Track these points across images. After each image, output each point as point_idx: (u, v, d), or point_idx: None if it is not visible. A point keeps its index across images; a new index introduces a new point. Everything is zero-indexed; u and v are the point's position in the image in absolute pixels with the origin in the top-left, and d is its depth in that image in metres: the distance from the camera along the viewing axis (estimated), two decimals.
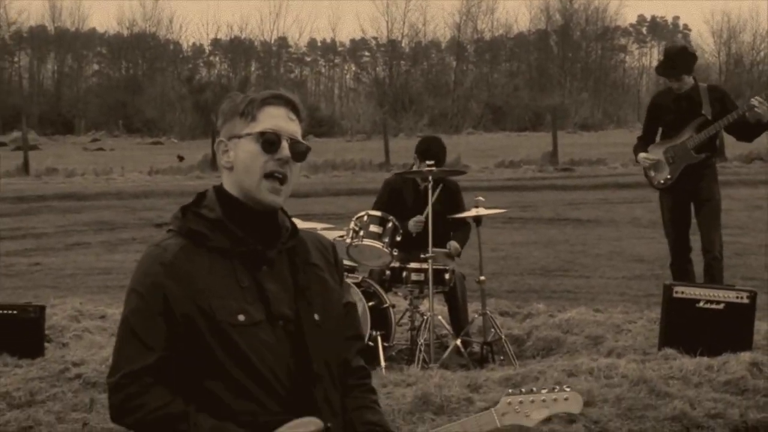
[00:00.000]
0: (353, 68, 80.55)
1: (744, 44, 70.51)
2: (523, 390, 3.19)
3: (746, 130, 8.95)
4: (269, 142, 2.93)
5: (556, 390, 3.18)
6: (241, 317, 2.83)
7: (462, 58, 71.07)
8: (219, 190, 2.99)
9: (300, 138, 3.01)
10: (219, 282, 2.85)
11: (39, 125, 58.48)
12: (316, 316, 2.95)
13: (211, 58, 76.71)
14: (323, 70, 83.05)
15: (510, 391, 3.19)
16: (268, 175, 2.92)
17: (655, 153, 9.14)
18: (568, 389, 3.19)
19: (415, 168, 8.83)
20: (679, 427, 6.66)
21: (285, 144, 2.94)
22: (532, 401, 3.14)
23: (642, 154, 9.20)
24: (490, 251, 14.44)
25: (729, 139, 28.31)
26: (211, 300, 2.82)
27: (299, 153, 2.98)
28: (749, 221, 17.43)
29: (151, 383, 2.82)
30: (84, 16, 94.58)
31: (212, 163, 30.51)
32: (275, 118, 2.97)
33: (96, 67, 75.43)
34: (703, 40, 75.17)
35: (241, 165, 2.94)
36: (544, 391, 3.16)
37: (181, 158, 34.59)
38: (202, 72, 73.43)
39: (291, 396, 2.87)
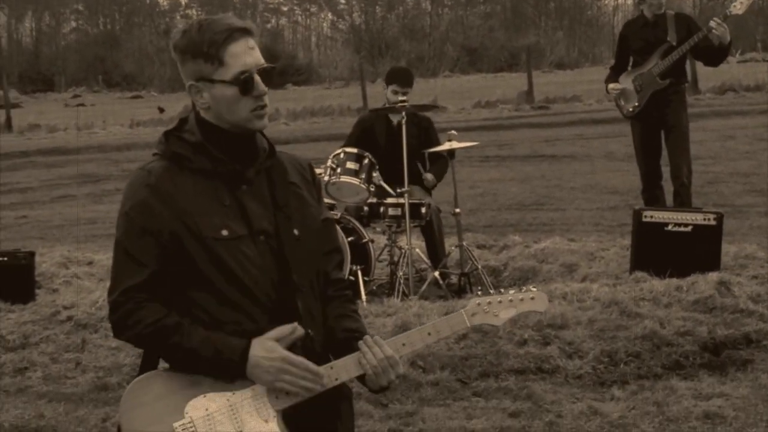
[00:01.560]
0: (330, 16, 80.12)
1: None
2: (492, 292, 3.35)
3: (711, 54, 9.19)
4: (245, 85, 3.07)
5: (522, 290, 3.34)
6: (225, 232, 3.02)
7: (437, 1, 70.76)
8: (198, 116, 3.16)
9: (264, 62, 3.14)
10: (202, 201, 3.04)
11: (19, 83, 58.05)
12: (296, 231, 3.13)
13: (188, 11, 76.12)
14: (300, 20, 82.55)
15: (479, 293, 3.36)
16: (252, 110, 3.09)
17: (625, 82, 9.36)
18: (534, 289, 3.34)
19: (387, 96, 9.05)
20: (650, 345, 6.94)
21: (257, 78, 3.08)
22: (500, 301, 3.28)
23: (611, 85, 9.43)
24: (468, 188, 14.68)
25: (702, 72, 28.55)
26: (196, 217, 3.01)
27: (269, 76, 3.13)
28: (722, 150, 17.69)
29: (146, 299, 3.02)
30: None
31: None
32: (241, 56, 3.09)
33: (73, 24, 74.83)
34: None
35: (222, 107, 3.09)
36: (511, 292, 3.31)
37: (161, 110, 34.61)
38: (179, 26, 72.91)
39: (275, 306, 3.06)
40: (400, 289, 8.32)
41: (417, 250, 8.82)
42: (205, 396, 3.01)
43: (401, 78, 9.20)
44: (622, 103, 9.41)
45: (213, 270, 3.01)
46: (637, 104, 9.27)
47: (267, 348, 2.98)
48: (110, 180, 18.35)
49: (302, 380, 3.00)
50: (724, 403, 6.05)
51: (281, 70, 58.31)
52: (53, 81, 62.96)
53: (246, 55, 3.09)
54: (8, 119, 30.43)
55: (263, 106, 3.09)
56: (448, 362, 6.77)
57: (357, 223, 8.63)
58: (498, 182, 15.76)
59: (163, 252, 3.02)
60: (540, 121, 25.32)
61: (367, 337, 3.15)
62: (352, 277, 8.24)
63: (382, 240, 9.35)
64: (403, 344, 3.21)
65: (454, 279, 8.84)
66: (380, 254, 9.15)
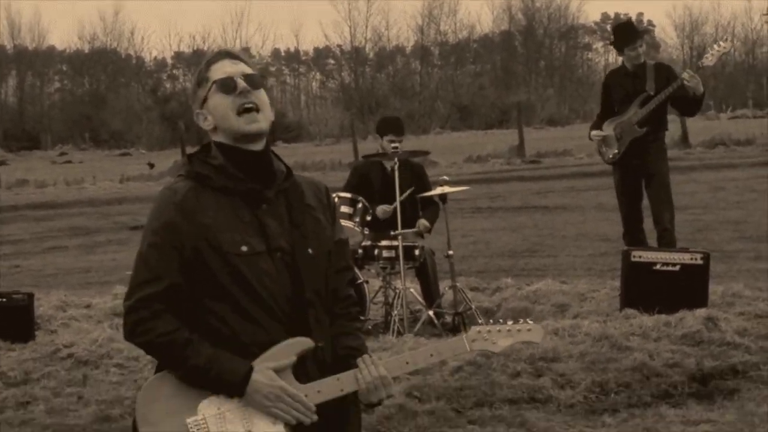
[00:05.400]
0: (318, 76, 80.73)
1: (707, 36, 71.22)
2: (492, 321, 3.55)
3: (686, 104, 9.46)
4: (224, 84, 3.31)
5: (520, 322, 3.53)
6: (244, 248, 3.20)
7: (427, 61, 71.47)
8: (216, 142, 3.38)
9: (249, 71, 3.38)
10: (223, 218, 3.23)
11: (4, 141, 58.38)
12: (310, 250, 3.32)
13: (174, 71, 76.56)
14: (288, 79, 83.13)
15: (480, 322, 3.53)
16: (241, 112, 3.29)
17: (607, 129, 9.63)
18: (531, 322, 3.54)
19: (378, 145, 9.28)
20: (639, 376, 7.12)
21: (238, 80, 3.32)
22: (499, 330, 3.45)
23: (593, 132, 9.71)
24: (460, 237, 14.87)
25: (693, 126, 28.82)
26: (217, 233, 3.20)
27: (254, 81, 3.35)
28: (712, 201, 17.94)
29: (161, 310, 3.20)
30: (44, 32, 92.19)
31: None
32: (222, 68, 3.36)
33: (58, 84, 75.27)
34: (666, 35, 75.59)
35: (218, 118, 3.33)
36: (509, 323, 3.50)
37: (151, 165, 34.85)
38: (166, 85, 73.33)
39: (288, 319, 3.26)
40: (395, 328, 8.48)
41: (411, 290, 8.99)
42: (218, 396, 3.18)
43: (396, 128, 9.45)
44: (604, 149, 9.68)
45: (232, 283, 3.19)
46: (617, 151, 9.54)
47: (267, 376, 3.17)
48: (101, 232, 18.52)
49: (294, 411, 3.18)
50: (711, 428, 6.24)
51: (271, 128, 58.79)
52: (39, 139, 63.23)
53: (227, 67, 3.35)
54: None
55: (249, 106, 3.29)
56: (444, 392, 6.93)
57: (352, 265, 8.78)
58: (490, 231, 15.96)
59: (184, 266, 3.21)
60: (532, 174, 25.61)
61: (366, 356, 3.34)
62: None
63: (377, 282, 9.52)
64: (407, 362, 3.39)
65: (448, 318, 9.00)
66: (375, 296, 9.31)
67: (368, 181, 9.47)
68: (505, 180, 24.63)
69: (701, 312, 7.98)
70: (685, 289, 8.30)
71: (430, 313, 8.80)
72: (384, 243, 8.92)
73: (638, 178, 9.55)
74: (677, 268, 8.38)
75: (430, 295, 9.12)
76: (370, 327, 8.97)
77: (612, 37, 9.86)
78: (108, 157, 49.11)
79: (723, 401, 6.78)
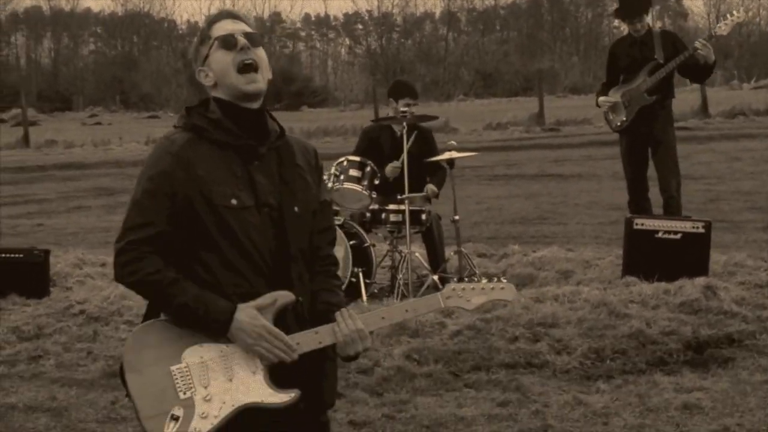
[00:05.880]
0: (347, 42, 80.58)
1: (733, 4, 70.74)
2: (466, 280, 3.67)
3: (696, 72, 9.53)
4: (225, 41, 3.46)
5: (494, 281, 3.65)
6: (234, 201, 3.36)
7: (454, 27, 71.22)
8: (216, 98, 3.53)
9: (250, 31, 3.53)
10: (217, 171, 3.39)
11: (37, 103, 58.65)
12: (296, 208, 3.48)
13: None
14: (318, 45, 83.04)
15: (455, 279, 3.68)
16: (240, 69, 3.45)
17: (614, 96, 9.69)
18: (504, 281, 3.67)
19: (390, 109, 9.40)
20: (635, 344, 7.25)
21: (239, 37, 3.47)
22: (473, 288, 3.60)
23: (602, 98, 9.77)
24: (474, 204, 15.03)
25: (713, 97, 28.66)
26: (210, 185, 3.36)
27: (254, 38, 3.50)
28: (727, 171, 17.97)
29: (149, 252, 3.36)
30: None
31: None
32: (224, 27, 3.51)
33: (92, 46, 75.53)
34: (693, 2, 75.14)
35: (219, 74, 3.48)
36: (484, 281, 3.64)
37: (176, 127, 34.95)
38: None
39: (271, 273, 3.41)
40: (400, 292, 8.63)
41: (417, 254, 9.14)
42: (201, 345, 3.34)
43: (411, 91, 9.58)
44: (611, 117, 9.75)
45: (219, 234, 3.35)
46: (624, 119, 9.61)
47: (251, 315, 3.31)
48: (125, 193, 18.66)
49: (276, 349, 3.32)
50: (704, 395, 6.34)
51: (297, 92, 58.82)
52: (71, 101, 63.52)
53: (229, 24, 3.51)
54: (26, 135, 31.02)
55: (249, 62, 3.44)
56: (442, 356, 7.08)
57: (359, 228, 8.97)
58: (504, 198, 16.06)
59: (175, 214, 3.37)
60: (550, 142, 25.62)
61: (343, 310, 3.48)
62: (353, 279, 8.58)
63: (384, 246, 9.66)
64: (383, 317, 3.53)
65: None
66: (382, 260, 9.47)
67: (378, 145, 9.60)
68: (524, 148, 24.67)
69: (701, 280, 8.07)
70: (686, 257, 8.39)
71: (435, 277, 8.94)
72: (391, 207, 9.06)
73: (645, 146, 9.64)
74: (679, 236, 8.47)
75: (436, 259, 9.26)
76: (376, 290, 9.15)
77: (618, 6, 9.87)
78: (136, 120, 49.32)
79: (717, 369, 6.88)
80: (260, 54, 3.49)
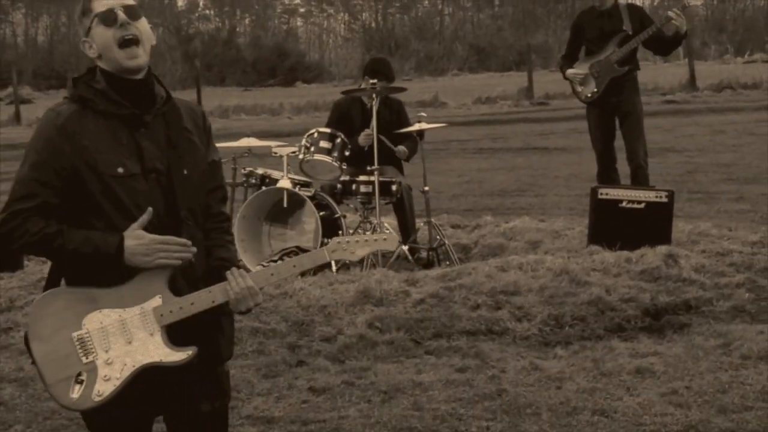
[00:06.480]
0: (347, 18, 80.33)
1: None
2: (351, 232, 3.82)
3: (663, 44, 9.65)
4: (105, 17, 3.53)
5: (377, 232, 3.83)
6: (120, 170, 3.46)
7: (454, 2, 71.07)
8: (101, 68, 3.61)
9: (130, 3, 3.60)
10: (102, 140, 3.48)
11: (34, 80, 58.65)
12: (185, 171, 3.59)
13: (207, 11, 76.49)
14: (317, 20, 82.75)
15: (340, 233, 3.81)
16: (121, 44, 3.53)
17: (582, 68, 9.79)
18: (387, 231, 3.84)
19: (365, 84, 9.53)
20: (595, 311, 7.40)
21: (119, 12, 3.54)
22: (357, 241, 3.74)
23: (571, 70, 9.86)
24: (456, 177, 15.14)
25: (701, 70, 28.68)
26: (95, 155, 3.45)
27: (134, 12, 3.58)
28: (710, 144, 18.09)
29: (30, 216, 3.45)
30: None
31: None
32: (103, 2, 3.56)
33: None
34: None
35: (101, 48, 3.56)
36: (368, 233, 3.82)
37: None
38: (198, 25, 73.30)
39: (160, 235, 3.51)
40: (369, 262, 8.74)
41: (386, 225, 9.25)
42: (100, 311, 3.47)
43: (386, 72, 9.66)
44: (580, 88, 9.85)
45: (106, 202, 3.46)
46: (595, 90, 9.71)
47: (136, 236, 3.43)
48: None
49: (175, 252, 3.47)
50: (657, 360, 6.49)
51: (291, 68, 58.81)
52: (66, 78, 63.47)
53: (108, 0, 3.56)
54: (17, 113, 31.21)
55: (129, 38, 3.52)
56: (404, 324, 7.22)
57: (330, 200, 9.08)
58: (486, 171, 16.17)
59: (62, 185, 3.46)
60: (537, 116, 25.73)
61: (234, 269, 3.61)
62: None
63: (357, 220, 9.77)
64: (271, 274, 3.67)
65: (423, 254, 9.27)
66: (355, 231, 9.56)
67: (349, 117, 9.70)
68: (511, 122, 24.77)
69: (662, 249, 8.20)
70: (650, 226, 8.53)
71: (405, 248, 9.06)
72: (362, 178, 9.17)
73: (612, 116, 9.76)
74: (642, 206, 8.61)
75: (406, 230, 9.38)
76: (348, 261, 9.23)
77: None
78: None
79: (673, 335, 7.04)
80: (141, 26, 3.56)
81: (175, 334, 3.49)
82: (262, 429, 5.70)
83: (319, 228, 8.70)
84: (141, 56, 3.54)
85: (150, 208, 3.47)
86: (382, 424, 5.70)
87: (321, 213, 8.81)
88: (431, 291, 7.60)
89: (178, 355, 3.47)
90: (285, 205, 8.92)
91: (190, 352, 3.48)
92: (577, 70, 9.81)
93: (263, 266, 8.81)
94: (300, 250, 9.00)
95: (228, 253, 3.71)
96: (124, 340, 3.45)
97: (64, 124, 3.48)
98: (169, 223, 3.53)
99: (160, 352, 3.46)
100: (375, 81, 9.15)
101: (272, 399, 6.16)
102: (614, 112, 9.73)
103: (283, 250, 9.04)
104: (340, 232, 8.94)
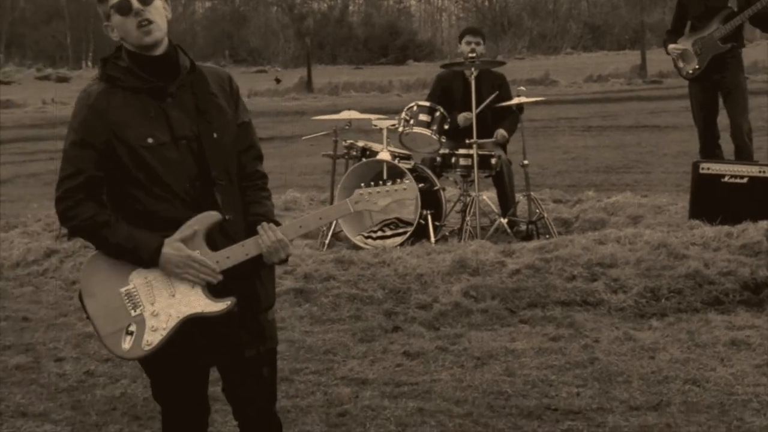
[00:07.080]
0: None
1: None
2: (372, 184, 3.97)
3: None
4: (120, 8, 3.75)
5: (397, 182, 3.96)
6: (150, 140, 3.68)
7: None
8: (125, 48, 3.82)
9: None
10: (131, 114, 3.70)
11: None
12: (215, 134, 3.79)
13: None
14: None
15: (362, 185, 3.96)
16: (138, 27, 3.73)
17: (685, 44, 9.67)
18: (407, 181, 3.97)
19: (459, 52, 9.56)
20: (692, 284, 7.35)
21: (132, 2, 3.73)
22: (378, 192, 3.94)
23: (672, 45, 9.74)
24: (562, 153, 15.10)
25: None
26: (125, 129, 3.68)
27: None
28: None
29: (83, 198, 3.72)
30: None
31: (308, 85, 31.28)
32: None
33: (208, 3, 76.64)
34: None
35: (122, 33, 3.78)
36: (388, 184, 3.95)
37: (278, 81, 35.45)
38: (311, 4, 73.91)
39: (194, 199, 3.74)
40: (467, 235, 8.83)
41: (484, 197, 9.31)
42: (145, 268, 3.75)
43: (474, 30, 9.76)
44: (681, 64, 9.72)
45: (140, 172, 3.70)
46: (697, 66, 9.58)
47: (175, 248, 3.68)
48: None
49: (202, 274, 3.70)
50: (753, 333, 6.46)
51: (403, 46, 58.98)
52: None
53: None
54: None
55: (145, 22, 3.73)
56: (499, 293, 7.29)
57: (430, 172, 9.17)
58: (593, 148, 16.09)
59: (100, 159, 3.72)
60: (650, 94, 25.40)
61: (264, 224, 3.81)
62: (422, 221, 8.81)
63: (457, 191, 9.84)
64: (300, 226, 3.90)
65: (522, 227, 9.31)
66: (455, 205, 9.65)
67: (450, 91, 9.76)
68: (623, 100, 24.53)
69: (764, 224, 8.08)
70: (752, 201, 8.41)
71: (503, 220, 9.12)
72: (461, 151, 9.23)
73: (715, 93, 9.63)
74: (745, 180, 8.50)
75: (506, 203, 9.42)
76: (447, 233, 9.35)
77: None
78: (244, 74, 49.96)
79: None
80: (154, 8, 3.75)
81: (215, 286, 3.73)
82: (356, 389, 5.83)
83: (419, 200, 8.80)
84: (155, 32, 3.74)
85: (196, 222, 3.70)
86: (474, 388, 5.79)
87: (420, 185, 8.91)
88: (527, 262, 7.64)
89: (218, 306, 3.70)
90: (385, 176, 9.03)
91: (228, 303, 3.71)
92: (678, 46, 9.69)
93: (362, 236, 9.01)
94: (400, 222, 9.13)
95: (263, 209, 3.91)
96: (167, 293, 3.71)
97: (94, 103, 3.72)
98: (203, 186, 3.75)
99: (201, 303, 3.70)
100: (474, 55, 9.19)
101: (367, 362, 6.30)
102: (717, 88, 9.59)
103: (384, 221, 9.18)
104: (439, 205, 9.07)
